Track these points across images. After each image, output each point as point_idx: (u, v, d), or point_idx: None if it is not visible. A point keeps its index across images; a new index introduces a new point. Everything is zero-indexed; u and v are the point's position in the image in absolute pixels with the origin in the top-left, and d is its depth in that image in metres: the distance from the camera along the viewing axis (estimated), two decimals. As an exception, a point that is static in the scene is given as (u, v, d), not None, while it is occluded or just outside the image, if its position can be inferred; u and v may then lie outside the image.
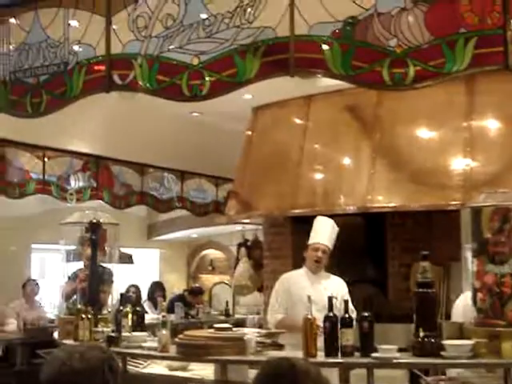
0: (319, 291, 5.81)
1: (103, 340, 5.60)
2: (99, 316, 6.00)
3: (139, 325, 5.68)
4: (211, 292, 12.77)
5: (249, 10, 4.38)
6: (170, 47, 4.71)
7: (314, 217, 8.11)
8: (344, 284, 6.07)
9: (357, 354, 4.74)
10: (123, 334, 5.48)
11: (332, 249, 6.17)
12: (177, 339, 5.14)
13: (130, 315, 5.65)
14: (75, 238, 6.63)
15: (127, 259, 11.78)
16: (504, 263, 4.52)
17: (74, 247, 6.63)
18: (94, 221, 6.26)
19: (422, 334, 4.57)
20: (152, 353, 5.24)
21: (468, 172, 7.23)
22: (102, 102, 6.42)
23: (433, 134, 7.58)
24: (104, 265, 6.48)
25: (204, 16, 4.59)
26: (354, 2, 4.12)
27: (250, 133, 9.08)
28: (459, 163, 7.31)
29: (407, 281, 8.00)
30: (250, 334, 4.98)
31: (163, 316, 5.30)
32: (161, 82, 4.79)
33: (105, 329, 5.74)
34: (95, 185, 9.66)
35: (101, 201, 9.70)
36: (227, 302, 11.28)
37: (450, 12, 3.93)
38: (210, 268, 15.06)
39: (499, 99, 7.31)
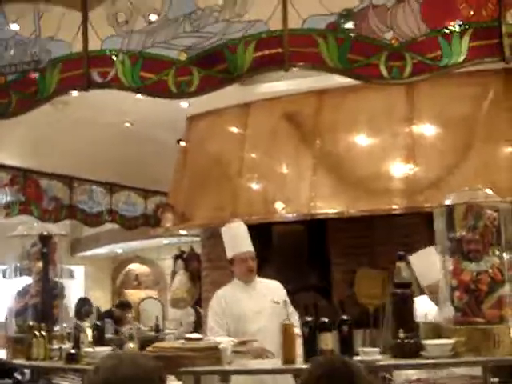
0: (258, 299, 5.57)
1: (60, 357, 5.33)
2: (53, 333, 5.71)
3: (100, 340, 5.43)
4: (139, 308, 12.49)
5: (239, 2, 4.26)
6: (155, 42, 4.53)
7: (256, 226, 8.08)
8: (280, 285, 5.77)
9: (335, 358, 4.65)
10: (84, 349, 5.21)
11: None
12: (145, 352, 4.92)
13: (88, 330, 5.40)
14: (16, 252, 6.30)
15: (69, 275, 11.34)
16: (479, 260, 4.54)
17: (15, 263, 6.29)
18: (45, 233, 5.97)
19: (401, 335, 4.54)
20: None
21: (409, 177, 7.30)
22: (29, 112, 6.15)
23: (373, 139, 7.63)
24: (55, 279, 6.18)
25: (191, 9, 4.44)
26: (348, -6, 4.08)
27: (184, 143, 8.93)
28: (400, 168, 7.38)
29: (351, 287, 8.01)
30: (225, 342, 4.83)
31: (130, 328, 5.08)
32: (145, 79, 4.59)
33: (63, 346, 5.45)
34: (23, 199, 9.29)
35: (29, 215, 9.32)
36: (157, 317, 11.04)
37: (445, 4, 3.93)
38: (135, 283, 14.74)
39: (439, 103, 7.43)
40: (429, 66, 4.04)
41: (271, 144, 8.01)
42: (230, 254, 5.75)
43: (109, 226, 11.30)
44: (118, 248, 13.95)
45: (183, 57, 4.49)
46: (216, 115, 8.52)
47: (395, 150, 7.46)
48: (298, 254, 8.38)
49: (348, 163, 7.59)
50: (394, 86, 7.43)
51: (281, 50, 4.21)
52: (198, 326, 9.61)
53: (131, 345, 4.93)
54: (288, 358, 4.65)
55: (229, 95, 7.14)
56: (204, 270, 8.95)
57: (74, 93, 5.61)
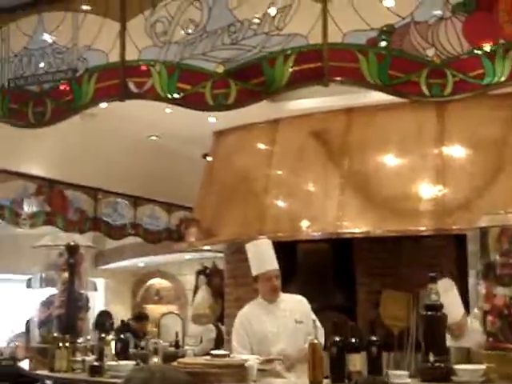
0: (281, 319, 5.49)
1: (83, 370, 5.29)
2: (76, 344, 5.67)
3: (123, 353, 5.38)
4: (159, 323, 12.43)
5: (278, 16, 4.22)
6: (192, 54, 4.50)
7: (281, 243, 8.01)
8: (304, 300, 5.67)
9: (364, 380, 4.58)
10: (107, 363, 5.16)
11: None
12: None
13: (112, 343, 5.35)
14: (42, 262, 6.28)
15: (93, 287, 11.36)
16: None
17: (40, 273, 6.26)
18: (72, 243, 5.94)
19: (431, 359, 4.45)
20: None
21: (438, 198, 7.22)
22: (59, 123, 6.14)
23: (402, 159, 7.56)
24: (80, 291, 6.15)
25: (230, 22, 4.41)
26: (389, 9, 4.03)
27: (211, 158, 8.90)
28: (429, 189, 7.31)
29: (376, 308, 7.91)
30: (251, 360, 4.77)
31: (155, 343, 5.04)
32: (182, 90, 4.55)
33: (86, 358, 5.41)
34: (49, 210, 9.29)
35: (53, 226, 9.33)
36: (177, 333, 10.95)
37: (488, 22, 3.88)
38: (156, 298, 14.69)
39: (470, 125, 7.36)
40: (471, 85, 3.98)
41: (299, 161, 7.96)
42: (254, 272, 5.66)
43: (131, 239, 11.29)
44: (140, 262, 13.92)
45: (221, 69, 4.45)
46: (244, 131, 8.49)
47: (424, 170, 7.39)
48: (323, 272, 8.29)
49: (376, 183, 7.52)
50: (425, 107, 7.40)
51: (320, 64, 4.16)
52: (219, 342, 9.53)
53: (155, 359, 4.88)
54: (315, 378, 4.57)
55: (257, 111, 7.10)
56: (227, 286, 8.88)
57: (103, 104, 5.61)
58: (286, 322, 5.46)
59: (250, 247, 5.80)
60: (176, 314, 12.81)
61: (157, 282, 14.98)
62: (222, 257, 9.65)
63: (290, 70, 4.23)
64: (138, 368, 2.66)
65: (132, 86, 4.74)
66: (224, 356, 4.82)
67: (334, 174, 7.73)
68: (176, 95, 4.63)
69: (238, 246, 8.72)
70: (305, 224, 7.74)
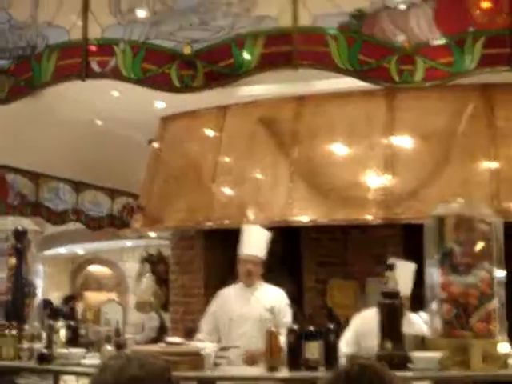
0: (252, 305, 5.58)
1: (30, 357, 5.13)
2: (23, 332, 5.49)
3: (73, 340, 5.25)
4: (100, 311, 12.21)
5: (248, -3, 4.14)
6: (159, 33, 4.37)
7: (228, 230, 7.95)
8: (281, 293, 5.77)
9: (321, 368, 4.56)
10: (57, 350, 5.02)
11: (264, 258, 5.86)
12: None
13: (61, 330, 5.21)
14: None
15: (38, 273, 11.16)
16: (468, 274, 4.50)
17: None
18: (20, 228, 5.75)
19: (389, 346, 4.46)
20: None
21: (387, 187, 7.26)
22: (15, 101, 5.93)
23: (352, 149, 7.57)
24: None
25: (199, 1, 4.29)
26: (360, -6, 4.00)
27: (158, 144, 8.77)
28: (378, 178, 7.33)
29: (323, 296, 7.94)
30: (209, 348, 4.70)
31: (108, 330, 4.92)
32: (147, 70, 4.42)
33: (35, 345, 5.25)
34: (-12, 194, 9.01)
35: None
36: (118, 321, 10.77)
37: (459, 10, 3.87)
38: (96, 285, 14.46)
39: (418, 115, 7.41)
40: (440, 72, 3.97)
41: (247, 149, 7.90)
42: (238, 254, 5.77)
43: (71, 225, 11.05)
44: (79, 248, 13.67)
45: (188, 50, 4.34)
46: (192, 117, 8.38)
47: (373, 159, 7.41)
48: (271, 261, 8.25)
49: (325, 171, 7.52)
50: (375, 96, 7.43)
51: (290, 47, 4.10)
52: (162, 330, 9.42)
53: (109, 347, 4.78)
54: (272, 366, 4.54)
55: (205, 97, 7.01)
56: (172, 273, 8.79)
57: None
58: (257, 307, 5.49)
59: (245, 229, 5.88)
60: (116, 301, 12.62)
61: (97, 270, 14.76)
62: (166, 244, 9.55)
63: (260, 52, 4.15)
64: (114, 356, 2.56)
65: (94, 65, 4.60)
66: (180, 344, 4.76)
67: (282, 161, 7.70)
68: (140, 75, 4.50)
69: (184, 232, 8.65)
70: (252, 211, 7.69)
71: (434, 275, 4.64)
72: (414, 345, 4.61)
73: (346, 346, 5.29)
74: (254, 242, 5.81)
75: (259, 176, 7.81)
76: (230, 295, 5.75)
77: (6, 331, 5.25)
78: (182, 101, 7.41)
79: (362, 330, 5.57)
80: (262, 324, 4.97)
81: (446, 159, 7.20)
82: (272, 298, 5.65)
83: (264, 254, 5.85)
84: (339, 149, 7.61)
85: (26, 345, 5.28)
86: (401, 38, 4.01)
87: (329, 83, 7.15)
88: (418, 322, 5.40)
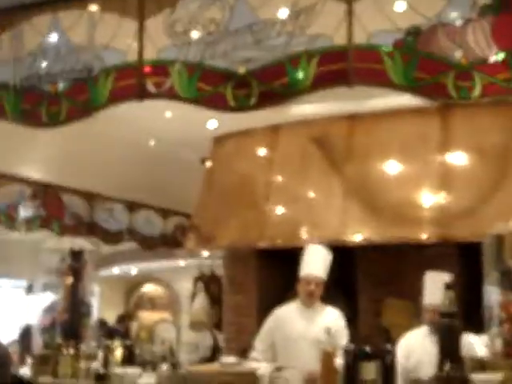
0: (312, 325, 5.54)
1: (87, 377, 5.17)
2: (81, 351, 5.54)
3: (129, 360, 5.28)
4: (153, 330, 12.31)
5: (302, 15, 4.13)
6: (214, 54, 4.39)
7: (282, 250, 7.92)
8: (339, 314, 5.75)
9: (378, 389, 4.49)
10: (114, 370, 5.05)
11: (326, 279, 5.84)
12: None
13: (117, 350, 5.24)
14: (43, 267, 6.15)
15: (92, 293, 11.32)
16: (528, 293, 4.38)
17: (42, 278, 6.13)
18: (77, 248, 5.82)
19: (447, 368, 4.36)
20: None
21: (442, 205, 7.16)
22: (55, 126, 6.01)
23: (406, 166, 7.49)
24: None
25: (252, 21, 4.30)
26: (415, 10, 3.95)
27: (210, 163, 8.80)
28: (432, 196, 7.24)
29: (378, 317, 7.84)
30: (263, 368, 4.68)
31: (163, 349, 4.94)
32: (202, 90, 4.45)
33: (92, 364, 5.29)
34: (44, 214, 9.15)
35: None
36: (172, 341, 10.83)
37: (516, 24, 3.81)
38: (149, 305, 14.56)
39: (474, 132, 7.31)
40: (498, 88, 3.91)
41: (300, 168, 7.88)
42: (300, 273, 5.76)
43: (125, 245, 11.16)
44: (133, 269, 13.79)
45: (242, 69, 4.35)
46: (244, 136, 8.39)
47: (427, 177, 7.32)
48: (326, 281, 8.20)
49: (378, 190, 7.45)
50: (429, 113, 7.35)
51: (345, 65, 4.07)
52: (215, 350, 9.42)
53: (164, 366, 4.77)
54: (328, 387, 4.49)
55: (257, 116, 7.02)
56: (226, 293, 8.78)
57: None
58: (316, 328, 5.47)
59: (308, 248, 5.88)
60: (170, 321, 12.70)
61: (150, 289, 14.86)
62: (219, 263, 9.56)
63: (314, 71, 4.14)
64: (170, 375, 2.57)
65: (150, 86, 4.63)
66: (235, 364, 4.74)
67: (335, 180, 7.66)
68: (196, 95, 4.52)
69: (237, 252, 8.64)
70: (305, 231, 7.66)
71: (493, 295, 4.53)
72: (473, 367, 4.50)
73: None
74: (317, 262, 5.80)
75: (312, 195, 7.78)
76: (288, 314, 5.71)
77: (64, 350, 5.31)
78: (234, 120, 7.44)
79: (405, 354, 5.50)
80: (321, 345, 4.90)
81: (503, 176, 7.08)
82: (330, 320, 5.62)
83: (326, 275, 5.80)
84: (393, 167, 7.54)
85: (82, 364, 5.33)
86: (458, 54, 3.96)
87: (381, 101, 7.11)
88: (477, 344, 5.28)
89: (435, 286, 5.36)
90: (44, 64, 5.00)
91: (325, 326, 5.28)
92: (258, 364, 4.89)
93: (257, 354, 5.52)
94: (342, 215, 7.47)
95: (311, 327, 5.51)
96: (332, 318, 5.64)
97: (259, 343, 5.65)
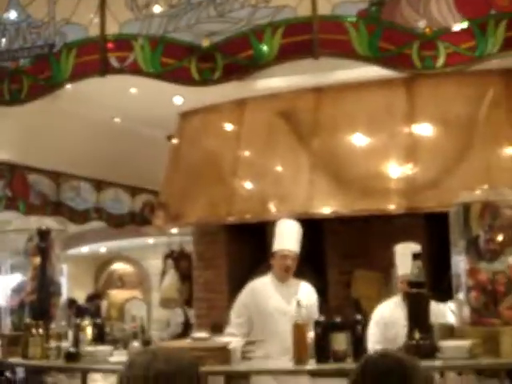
0: (287, 300, 5.53)
1: (57, 356, 5.14)
2: (50, 331, 5.50)
3: (100, 338, 5.25)
4: (123, 308, 12.28)
5: (266, -14, 4.09)
6: (177, 27, 4.34)
7: (250, 224, 7.93)
8: (312, 289, 5.77)
9: (349, 359, 4.53)
10: (84, 348, 5.02)
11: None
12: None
13: (88, 328, 5.21)
14: (10, 248, 6.07)
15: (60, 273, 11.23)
16: (495, 260, 4.44)
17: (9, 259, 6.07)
18: (43, 227, 5.75)
19: (417, 336, 4.41)
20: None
21: (408, 177, 7.20)
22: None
23: (372, 139, 7.51)
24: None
25: (215, -7, 4.26)
26: (379, -20, 3.94)
27: (176, 140, 8.75)
28: (399, 168, 7.27)
29: (348, 288, 7.90)
30: (235, 342, 4.69)
31: (134, 327, 4.93)
32: (166, 64, 4.39)
33: (62, 344, 5.25)
34: (10, 194, 9.04)
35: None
36: (142, 319, 10.81)
37: (479, -7, 3.81)
38: (119, 283, 14.53)
39: (438, 103, 7.33)
40: (463, 57, 3.92)
41: (267, 142, 7.86)
42: (274, 248, 5.67)
43: (93, 224, 11.08)
44: (102, 247, 13.73)
45: (206, 43, 4.31)
46: (210, 111, 8.34)
47: (394, 149, 7.35)
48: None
49: (346, 162, 7.47)
50: (395, 84, 7.37)
51: (310, 36, 4.05)
52: (187, 326, 9.43)
53: (135, 343, 4.77)
54: (299, 358, 4.51)
55: (223, 91, 6.99)
56: (196, 269, 8.78)
57: (67, 85, 5.43)
58: (292, 303, 5.42)
59: (280, 224, 5.81)
60: (140, 298, 12.68)
61: (119, 267, 14.84)
62: (189, 240, 9.54)
63: (279, 42, 4.11)
64: (141, 351, 2.56)
65: (113, 61, 4.57)
66: (206, 339, 4.75)
67: (303, 153, 7.65)
68: (160, 70, 4.46)
69: (206, 228, 8.64)
70: (274, 205, 7.66)
71: (461, 263, 4.59)
72: (442, 334, 4.56)
73: (377, 344, 5.28)
74: (292, 237, 5.74)
75: (280, 169, 7.78)
76: (264, 289, 5.66)
77: (33, 331, 5.27)
78: (200, 95, 7.39)
79: (382, 322, 5.55)
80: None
81: (469, 146, 7.13)
82: (305, 295, 5.62)
83: (299, 249, 5.77)
84: (360, 139, 7.55)
85: (53, 344, 5.29)
86: (421, 24, 3.96)
87: (347, 73, 7.10)
88: (445, 311, 5.35)
89: (406, 257, 5.39)
90: (4, 41, 4.90)
91: (303, 302, 5.29)
92: (230, 338, 4.89)
93: (233, 328, 5.49)
94: (309, 189, 7.48)
95: (289, 302, 5.47)
96: (307, 293, 5.63)
97: (235, 318, 5.59)
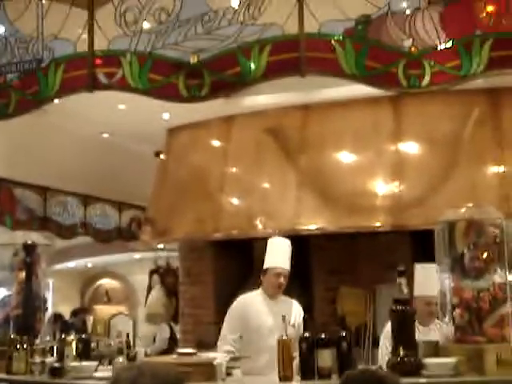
0: (277, 317, 5.49)
1: (42, 372, 5.12)
2: (35, 346, 5.48)
3: (85, 354, 5.23)
4: (109, 323, 12.24)
5: (253, 5, 4.12)
6: (165, 44, 4.36)
7: (237, 241, 7.95)
8: (299, 307, 5.75)
9: (334, 376, 4.54)
10: (69, 364, 5.01)
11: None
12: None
13: (73, 344, 5.20)
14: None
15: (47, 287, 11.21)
16: (480, 278, 4.47)
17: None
18: (29, 242, 5.75)
19: (401, 353, 4.43)
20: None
21: (395, 194, 7.25)
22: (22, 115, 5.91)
23: (359, 156, 7.56)
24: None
25: (203, 11, 4.29)
26: (366, 0, 3.98)
27: (164, 156, 8.77)
28: (385, 186, 7.32)
29: (334, 305, 7.92)
30: (220, 358, 4.69)
31: (119, 342, 4.92)
32: (154, 81, 4.42)
33: (46, 359, 5.24)
34: (-4, 209, 9.03)
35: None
36: (128, 334, 10.77)
37: (465, 13, 3.86)
38: (105, 299, 14.50)
39: (424, 121, 7.39)
40: (448, 76, 3.97)
41: (254, 159, 7.89)
42: (267, 265, 5.65)
43: (80, 239, 11.07)
44: (88, 262, 13.71)
45: (194, 59, 4.33)
46: (198, 127, 8.37)
47: (380, 167, 7.40)
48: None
49: (333, 179, 7.51)
50: (381, 102, 7.42)
51: (297, 54, 4.08)
52: (173, 342, 9.42)
53: (120, 359, 4.76)
54: (284, 375, 4.52)
55: (211, 107, 7.01)
56: (182, 285, 8.78)
57: (55, 100, 5.45)
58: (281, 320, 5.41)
59: (272, 241, 5.79)
60: (126, 314, 12.64)
61: (106, 283, 14.80)
62: (175, 256, 9.55)
63: (266, 60, 4.14)
64: (126, 367, 2.56)
65: (101, 77, 4.58)
66: (191, 354, 4.75)
67: (290, 170, 7.69)
68: (147, 86, 4.48)
69: (193, 244, 8.65)
70: (261, 221, 7.68)
71: (445, 281, 4.61)
72: (426, 351, 4.58)
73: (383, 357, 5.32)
74: (283, 255, 5.73)
75: (267, 185, 7.81)
76: (255, 304, 5.63)
77: (18, 345, 5.25)
78: (188, 112, 7.41)
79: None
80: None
81: (454, 164, 7.18)
82: (294, 312, 5.61)
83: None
84: (346, 157, 7.60)
85: (37, 359, 5.27)
86: (407, 43, 4.01)
87: (334, 91, 7.15)
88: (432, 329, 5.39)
89: (425, 278, 5.41)
90: (-8, 55, 4.91)
91: (291, 320, 5.30)
92: (214, 354, 4.89)
93: (228, 345, 5.42)
94: (296, 205, 7.51)
95: (276, 319, 5.42)
96: (298, 312, 5.61)
97: (230, 334, 5.52)
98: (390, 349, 5.24)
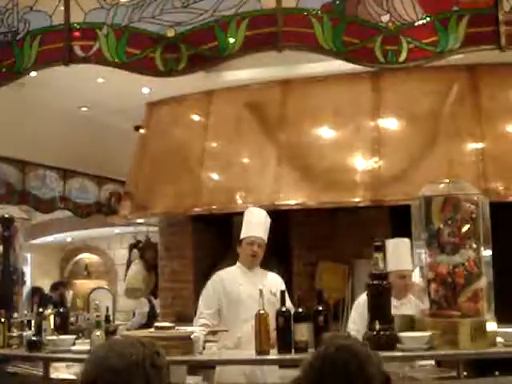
0: (257, 287, 5.50)
1: (19, 345, 5.12)
2: (12, 320, 5.46)
3: (63, 327, 5.23)
4: (89, 298, 12.25)
5: (231, -23, 4.10)
6: (142, 17, 4.33)
7: (216, 215, 7.95)
8: (281, 281, 5.73)
9: (310, 349, 4.58)
10: (47, 337, 5.01)
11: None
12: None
13: (51, 317, 5.20)
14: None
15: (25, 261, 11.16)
16: (455, 253, 4.50)
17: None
18: (6, 215, 5.72)
19: (377, 327, 4.47)
20: (85, 356, 4.76)
21: (374, 170, 7.28)
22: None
23: (338, 132, 7.59)
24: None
25: (180, -17, 4.25)
26: (344, -27, 3.97)
27: (144, 130, 8.75)
28: (365, 161, 7.36)
29: (312, 280, 7.96)
30: (198, 332, 4.70)
31: (97, 316, 4.92)
32: (131, 54, 4.38)
33: (24, 333, 5.23)
34: (-26, 183, 8.95)
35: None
36: (107, 308, 10.79)
37: (443, -12, 3.87)
38: (85, 273, 14.50)
39: (402, 97, 7.44)
40: (425, 52, 3.97)
41: (234, 133, 7.90)
42: (241, 236, 5.57)
43: (59, 213, 11.02)
44: (68, 237, 13.68)
45: (171, 33, 4.30)
46: (178, 102, 8.37)
47: (360, 142, 7.44)
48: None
49: (312, 155, 7.53)
50: (361, 79, 7.44)
51: (274, 29, 4.07)
52: (152, 316, 9.44)
53: (98, 333, 4.77)
54: (261, 348, 4.55)
55: (191, 82, 7.00)
56: (161, 259, 8.80)
57: (33, 73, 5.40)
58: (266, 295, 5.39)
59: (247, 212, 5.71)
60: (105, 288, 12.67)
61: (85, 257, 14.79)
62: (155, 230, 9.56)
63: (244, 34, 4.12)
64: (99, 345, 2.58)
65: (78, 50, 4.53)
66: (169, 328, 4.76)
67: (270, 146, 7.71)
68: (124, 59, 4.45)
69: (172, 218, 8.65)
70: (240, 196, 7.70)
71: (422, 256, 4.65)
72: (402, 325, 4.62)
73: (352, 323, 5.36)
74: (259, 224, 5.64)
75: (246, 160, 7.82)
76: (233, 277, 5.53)
77: (-5, 319, 5.24)
78: (168, 86, 7.40)
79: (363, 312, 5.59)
80: (270, 307, 4.89)
81: (433, 140, 7.23)
82: (274, 283, 5.59)
83: (266, 237, 5.74)
84: (326, 132, 7.63)
85: (15, 333, 5.26)
86: (385, 18, 4.00)
87: (314, 67, 7.17)
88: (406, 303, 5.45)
89: (398, 252, 5.44)
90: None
91: (272, 289, 5.29)
92: (192, 328, 4.90)
93: (206, 319, 5.40)
94: (276, 180, 7.54)
95: (256, 289, 5.40)
96: (275, 282, 5.60)
97: (206, 309, 5.44)
98: (357, 322, 5.32)
